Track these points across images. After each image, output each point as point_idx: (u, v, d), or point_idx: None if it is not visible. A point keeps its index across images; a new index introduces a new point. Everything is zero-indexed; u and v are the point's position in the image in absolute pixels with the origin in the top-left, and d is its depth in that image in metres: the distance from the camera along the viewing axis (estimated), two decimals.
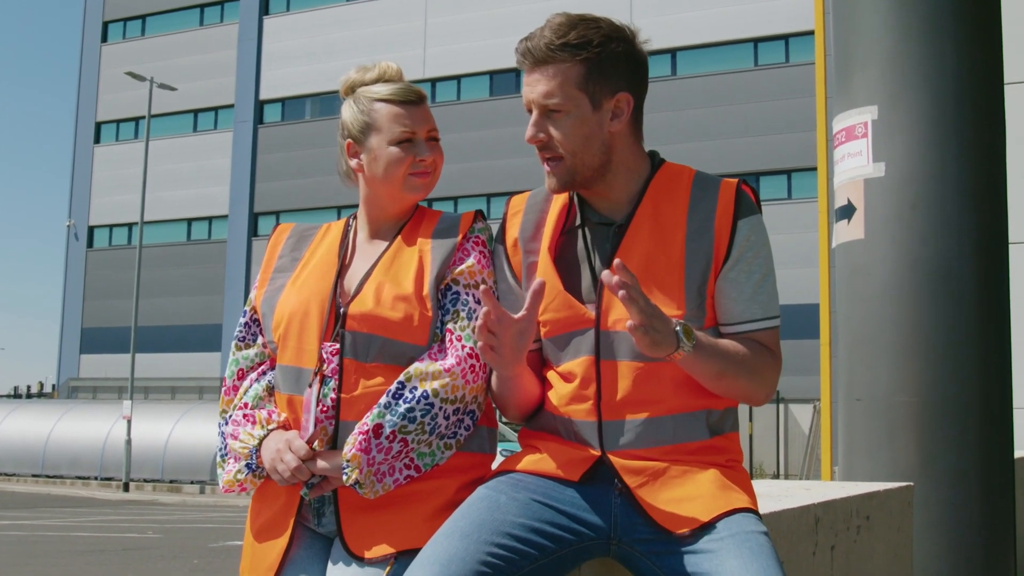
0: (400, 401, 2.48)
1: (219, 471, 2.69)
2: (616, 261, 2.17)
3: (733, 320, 2.47)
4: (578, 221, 2.57)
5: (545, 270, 2.52)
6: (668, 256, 2.45)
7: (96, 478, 32.08)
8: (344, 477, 2.46)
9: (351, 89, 2.75)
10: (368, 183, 2.72)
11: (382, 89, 2.69)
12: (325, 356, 2.55)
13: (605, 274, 2.17)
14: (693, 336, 2.30)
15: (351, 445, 2.46)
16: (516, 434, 2.68)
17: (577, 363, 2.47)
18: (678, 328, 2.27)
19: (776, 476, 30.04)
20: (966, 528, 4.34)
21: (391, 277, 2.61)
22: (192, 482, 30.01)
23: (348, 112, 2.73)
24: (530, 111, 2.52)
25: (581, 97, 2.46)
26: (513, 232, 2.62)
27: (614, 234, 2.50)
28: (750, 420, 29.31)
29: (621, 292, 2.14)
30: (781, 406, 31.11)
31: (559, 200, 2.62)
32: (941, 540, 4.33)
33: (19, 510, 22.53)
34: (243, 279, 42.27)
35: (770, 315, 2.48)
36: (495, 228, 2.71)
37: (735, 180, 2.54)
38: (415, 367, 2.52)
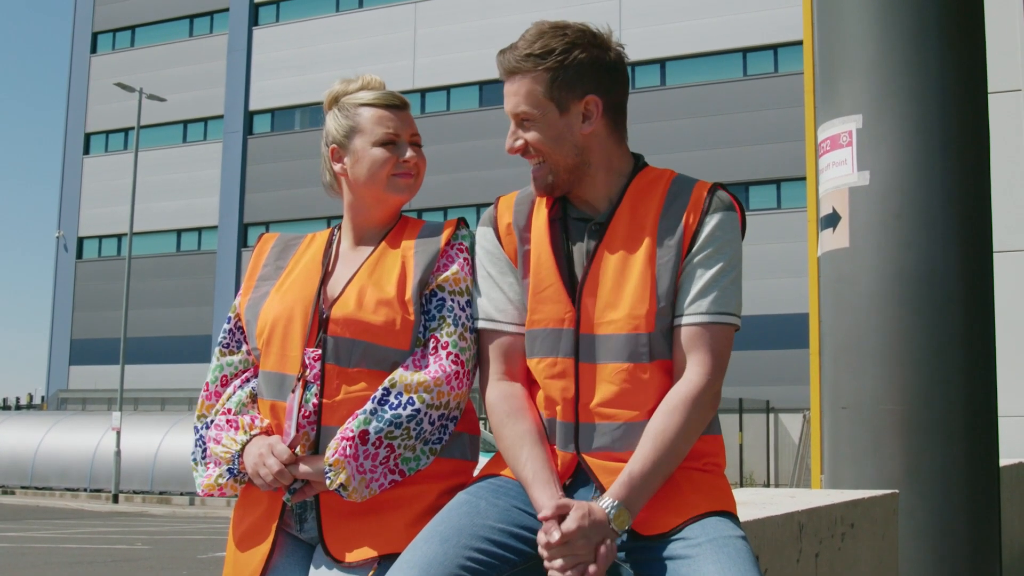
0: (386, 407, 2.51)
1: (195, 474, 2.70)
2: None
3: (679, 312, 2.46)
4: (559, 215, 2.58)
5: (545, 261, 2.53)
6: (641, 254, 2.47)
7: (85, 490, 31.96)
8: (327, 481, 2.48)
9: (335, 100, 2.81)
10: (352, 187, 2.75)
11: (366, 95, 2.76)
12: (307, 361, 2.56)
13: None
14: (626, 511, 2.29)
15: (334, 450, 2.48)
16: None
17: (556, 363, 2.48)
18: (611, 510, 2.27)
19: (766, 485, 30.03)
20: (951, 536, 4.35)
21: (374, 281, 2.63)
22: (182, 493, 29.90)
23: (332, 120, 2.80)
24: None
25: (547, 104, 2.52)
26: (506, 218, 2.63)
27: (593, 231, 2.52)
28: (740, 430, 29.34)
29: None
30: (771, 416, 31.15)
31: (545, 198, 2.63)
32: (926, 548, 4.33)
33: (7, 522, 22.44)
34: (233, 290, 42.17)
35: (720, 311, 2.45)
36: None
37: (712, 183, 2.56)
38: (400, 373, 2.54)
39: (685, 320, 2.45)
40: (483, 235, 2.66)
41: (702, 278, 2.45)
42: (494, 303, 2.58)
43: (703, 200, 2.49)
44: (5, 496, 32.18)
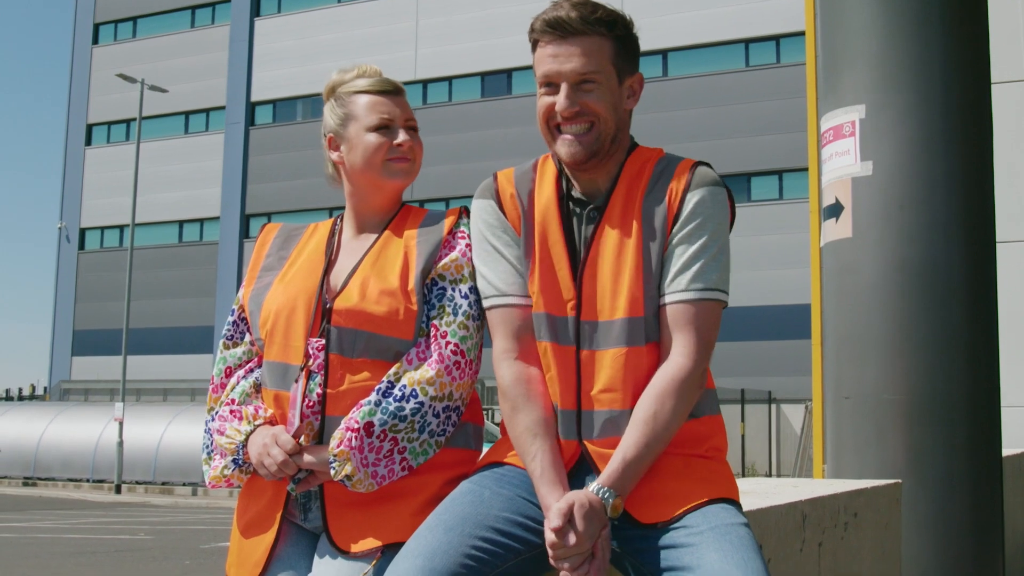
0: (390, 399, 2.51)
1: (204, 467, 2.71)
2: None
3: (662, 291, 2.45)
4: (565, 196, 2.56)
5: (555, 244, 2.51)
6: (634, 238, 2.46)
7: (88, 480, 32.00)
8: (332, 472, 2.48)
9: (332, 91, 2.82)
10: (349, 175, 2.76)
11: (360, 82, 2.77)
12: (311, 352, 2.56)
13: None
14: (620, 499, 2.30)
15: (339, 441, 2.48)
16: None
17: (557, 349, 2.47)
18: (608, 499, 2.28)
19: (768, 476, 30.03)
20: (954, 525, 4.35)
21: (376, 272, 2.63)
22: (184, 484, 29.95)
23: (328, 110, 2.81)
24: (547, 84, 2.52)
25: (611, 71, 2.50)
26: (509, 190, 2.60)
27: (591, 216, 2.51)
28: (742, 420, 29.33)
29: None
30: (773, 406, 31.14)
31: (548, 176, 2.60)
32: (929, 537, 4.34)
33: (10, 512, 22.47)
34: (235, 281, 42.17)
35: (701, 287, 2.43)
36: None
37: (696, 160, 2.54)
38: (404, 367, 2.55)
39: (668, 299, 2.44)
40: (483, 208, 2.62)
41: (683, 255, 2.44)
42: (501, 276, 2.54)
43: (685, 177, 2.48)
44: (8, 487, 32.23)
